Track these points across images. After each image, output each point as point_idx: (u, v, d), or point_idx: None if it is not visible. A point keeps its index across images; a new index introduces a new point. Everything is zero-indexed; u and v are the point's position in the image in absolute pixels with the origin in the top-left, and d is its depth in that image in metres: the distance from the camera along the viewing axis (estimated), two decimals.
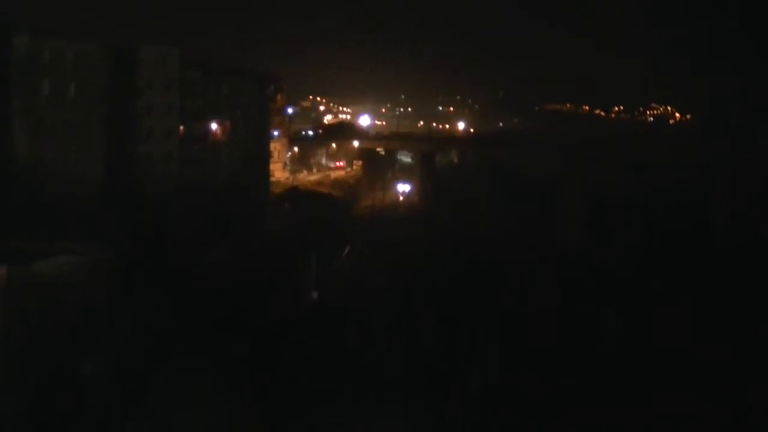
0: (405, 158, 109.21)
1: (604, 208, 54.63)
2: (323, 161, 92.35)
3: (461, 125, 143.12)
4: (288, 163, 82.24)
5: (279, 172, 73.21)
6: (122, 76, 40.08)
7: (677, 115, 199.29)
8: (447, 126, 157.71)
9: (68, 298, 22.92)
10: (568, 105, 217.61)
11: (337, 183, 78.68)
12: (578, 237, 47.32)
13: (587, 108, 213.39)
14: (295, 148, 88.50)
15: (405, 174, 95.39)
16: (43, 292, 22.71)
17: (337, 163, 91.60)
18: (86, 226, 28.00)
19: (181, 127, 45.40)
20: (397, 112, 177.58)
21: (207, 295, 26.86)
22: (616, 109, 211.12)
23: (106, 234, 26.80)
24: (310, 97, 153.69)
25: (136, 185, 37.68)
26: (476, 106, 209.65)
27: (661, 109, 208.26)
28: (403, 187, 75.21)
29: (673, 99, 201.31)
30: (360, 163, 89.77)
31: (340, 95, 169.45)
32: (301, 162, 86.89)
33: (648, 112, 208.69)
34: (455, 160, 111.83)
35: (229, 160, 50.87)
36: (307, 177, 79.35)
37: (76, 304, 22.79)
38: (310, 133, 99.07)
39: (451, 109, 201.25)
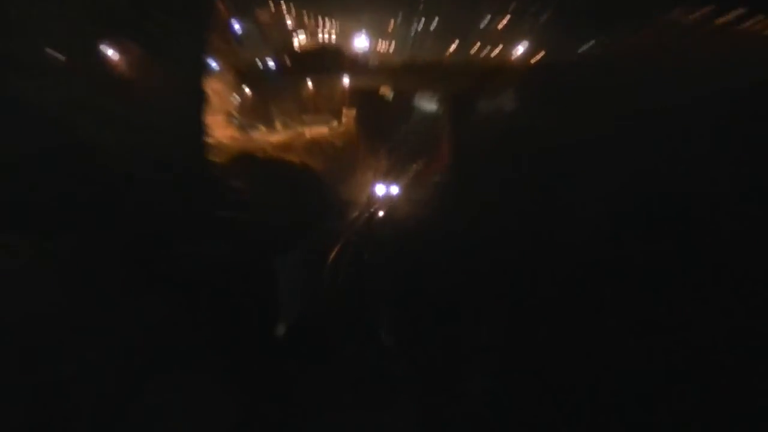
0: (427, 105, 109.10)
1: None
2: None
3: (519, 49, 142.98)
4: (236, 114, 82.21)
5: (221, 129, 73.26)
6: None
7: None
8: (496, 51, 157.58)
9: None
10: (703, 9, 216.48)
11: (317, 147, 78.66)
12: None
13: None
14: (247, 90, 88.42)
15: (425, 131, 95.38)
16: None
17: None
18: None
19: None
20: (414, 31, 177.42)
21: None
22: None
23: None
24: (272, 3, 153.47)
25: None
26: (543, 18, 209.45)
27: None
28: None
29: None
30: (353, 113, 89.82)
31: (319, 2, 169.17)
32: (257, 112, 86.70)
33: None
34: (507, 107, 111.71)
35: (140, 109, 50.78)
36: (268, 137, 79.20)
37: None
38: (272, 64, 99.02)
39: (504, 22, 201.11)
